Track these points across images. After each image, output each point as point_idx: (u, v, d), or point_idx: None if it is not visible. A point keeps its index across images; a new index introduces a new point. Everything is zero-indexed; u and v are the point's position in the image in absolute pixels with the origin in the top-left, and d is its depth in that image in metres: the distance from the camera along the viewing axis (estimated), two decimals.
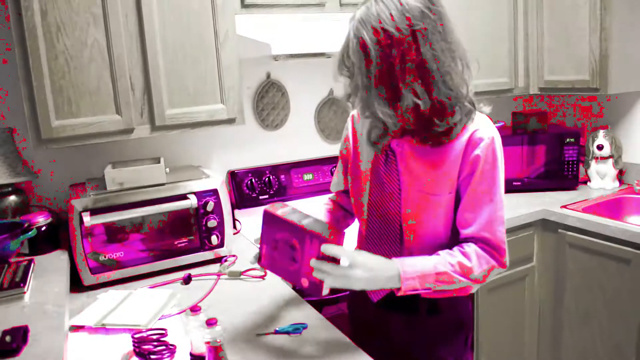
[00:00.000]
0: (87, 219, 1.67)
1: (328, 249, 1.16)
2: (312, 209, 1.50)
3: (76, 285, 1.71)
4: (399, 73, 1.11)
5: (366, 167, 1.39)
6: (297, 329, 1.40)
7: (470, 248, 1.26)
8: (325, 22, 2.14)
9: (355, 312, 1.56)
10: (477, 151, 1.22)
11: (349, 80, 1.25)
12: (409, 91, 1.12)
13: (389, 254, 1.32)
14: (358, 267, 1.17)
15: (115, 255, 1.76)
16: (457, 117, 1.19)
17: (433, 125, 1.18)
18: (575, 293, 2.34)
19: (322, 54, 2.21)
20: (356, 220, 1.51)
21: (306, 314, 1.49)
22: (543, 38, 2.63)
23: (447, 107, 1.17)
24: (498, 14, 2.58)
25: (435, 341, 1.38)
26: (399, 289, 1.21)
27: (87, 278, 1.72)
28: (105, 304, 1.59)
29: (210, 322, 1.14)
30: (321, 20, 2.13)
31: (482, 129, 1.24)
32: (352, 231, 1.52)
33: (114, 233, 1.76)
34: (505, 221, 1.28)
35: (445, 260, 1.23)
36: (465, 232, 1.27)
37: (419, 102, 1.13)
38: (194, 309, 1.23)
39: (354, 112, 1.47)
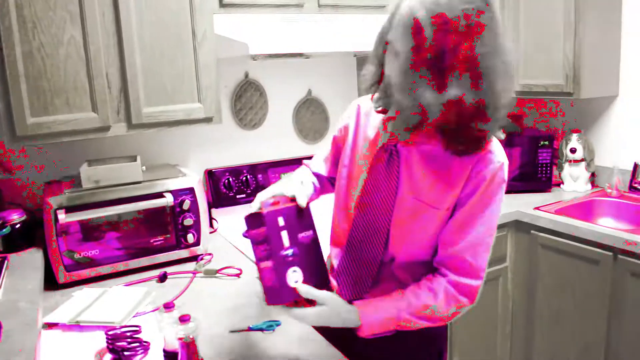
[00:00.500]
0: (62, 217, 1.66)
1: (303, 289, 1.15)
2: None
3: (51, 283, 1.70)
4: (450, 61, 1.02)
5: (364, 162, 1.32)
6: (270, 326, 1.41)
7: (440, 285, 1.21)
8: (303, 23, 2.16)
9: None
10: (484, 172, 1.17)
11: (374, 68, 1.20)
12: (456, 82, 1.02)
13: (370, 256, 1.29)
14: (320, 311, 1.16)
15: (91, 253, 1.76)
16: (491, 125, 1.10)
17: (469, 129, 1.10)
18: (547, 293, 2.39)
19: (300, 55, 2.23)
20: (332, 212, 1.44)
21: (280, 311, 1.50)
22: (519, 43, 2.67)
23: (486, 112, 1.07)
24: None
25: (406, 354, 1.34)
26: (359, 329, 1.20)
27: (62, 276, 1.71)
28: (80, 302, 1.58)
29: (184, 319, 1.15)
30: (300, 21, 2.15)
31: (496, 152, 1.18)
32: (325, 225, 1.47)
33: (90, 231, 1.75)
34: (489, 251, 1.23)
35: (410, 305, 1.20)
36: (447, 250, 1.22)
37: (464, 96, 1.03)
38: (168, 306, 1.23)
39: (360, 102, 1.40)
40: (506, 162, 1.20)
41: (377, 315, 1.20)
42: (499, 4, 2.65)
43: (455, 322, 2.34)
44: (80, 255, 1.74)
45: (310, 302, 1.17)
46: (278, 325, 1.42)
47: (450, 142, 1.14)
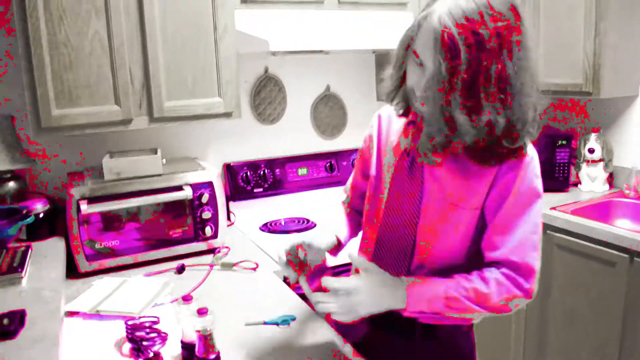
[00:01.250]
0: (85, 207, 1.70)
1: (328, 282, 1.12)
2: (331, 216, 1.50)
3: (72, 271, 1.75)
4: (483, 83, 0.99)
5: (389, 169, 1.30)
6: (285, 320, 1.43)
7: (492, 274, 1.15)
8: (323, 20, 2.16)
9: (343, 327, 1.37)
10: (517, 170, 1.14)
11: (395, 72, 1.18)
12: (490, 105, 1.01)
13: (398, 264, 1.26)
14: (359, 291, 1.11)
15: (111, 243, 1.80)
16: (521, 140, 1.09)
17: (499, 147, 1.08)
18: (562, 293, 2.38)
19: (319, 51, 2.24)
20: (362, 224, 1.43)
21: (296, 306, 1.53)
22: (538, 42, 2.65)
23: (516, 130, 1.06)
24: None
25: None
26: (404, 310, 1.13)
27: (83, 265, 1.76)
28: (100, 291, 1.62)
29: (202, 311, 1.17)
30: (319, 18, 2.16)
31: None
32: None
33: (110, 221, 1.79)
34: (539, 248, 1.17)
35: (459, 285, 1.14)
36: (492, 255, 1.17)
37: (498, 119, 1.02)
38: (186, 298, 1.26)
39: (381, 112, 1.39)
40: (536, 156, 1.17)
41: (424, 287, 1.14)
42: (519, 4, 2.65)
43: None
44: (101, 245, 1.78)
45: None
46: (293, 319, 1.44)
47: (477, 158, 1.11)
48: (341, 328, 1.39)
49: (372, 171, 1.36)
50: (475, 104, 1.01)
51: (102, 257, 1.79)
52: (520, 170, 1.14)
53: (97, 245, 1.78)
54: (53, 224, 1.88)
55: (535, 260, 1.16)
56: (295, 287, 1.62)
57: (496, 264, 1.16)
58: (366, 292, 1.12)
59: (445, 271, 1.20)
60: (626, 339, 2.13)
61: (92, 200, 1.74)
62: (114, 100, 1.82)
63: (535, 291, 1.16)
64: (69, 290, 1.64)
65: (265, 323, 1.43)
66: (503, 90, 1.01)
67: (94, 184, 1.77)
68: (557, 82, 2.60)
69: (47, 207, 1.86)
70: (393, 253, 1.28)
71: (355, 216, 1.50)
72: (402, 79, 1.17)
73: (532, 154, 1.16)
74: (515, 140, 1.07)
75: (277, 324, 1.42)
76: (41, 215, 1.83)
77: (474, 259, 1.22)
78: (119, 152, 1.97)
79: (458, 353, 1.33)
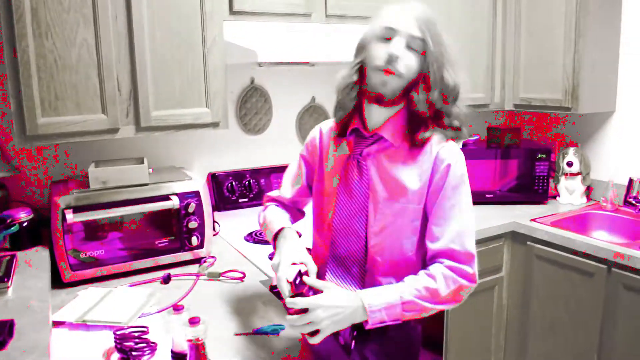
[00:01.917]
0: (70, 217, 1.69)
1: (290, 302, 1.18)
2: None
3: (56, 281, 1.72)
4: (418, 78, 1.29)
5: (335, 175, 1.43)
6: (275, 330, 1.44)
7: (437, 269, 1.26)
8: (310, 32, 2.19)
9: None
10: (446, 162, 1.29)
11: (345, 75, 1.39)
12: (422, 93, 1.28)
13: (353, 265, 1.36)
14: (318, 308, 1.17)
15: (96, 252, 1.78)
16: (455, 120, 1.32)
17: (442, 118, 1.31)
18: (541, 304, 2.43)
19: (305, 63, 2.26)
20: (312, 233, 1.53)
21: (284, 315, 1.53)
22: (519, 57, 2.73)
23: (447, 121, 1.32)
24: (477, 32, 2.68)
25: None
26: (366, 322, 1.21)
27: (67, 275, 1.73)
28: (85, 301, 1.61)
29: (194, 321, 1.17)
30: (307, 30, 2.19)
31: (450, 145, 1.32)
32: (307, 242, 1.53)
33: (96, 231, 1.78)
34: (474, 234, 1.31)
35: (410, 287, 1.24)
36: (434, 246, 1.29)
37: (432, 101, 1.29)
38: (177, 308, 1.26)
39: (322, 126, 1.54)
40: (462, 154, 1.33)
41: (380, 299, 1.22)
42: (500, 20, 2.73)
43: (451, 330, 2.38)
44: (85, 254, 1.76)
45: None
46: (283, 329, 1.44)
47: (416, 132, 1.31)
48: None
49: (317, 180, 1.49)
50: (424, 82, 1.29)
51: (87, 267, 1.77)
52: (451, 165, 1.29)
53: (82, 255, 1.76)
54: (37, 233, 1.86)
55: (473, 247, 1.29)
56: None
57: (439, 254, 1.29)
58: (324, 310, 1.17)
59: (400, 267, 1.34)
60: (604, 348, 2.18)
61: (77, 209, 1.72)
62: (101, 109, 1.81)
63: (477, 276, 1.29)
64: (54, 301, 1.61)
65: (254, 332, 1.43)
66: (438, 84, 1.29)
67: (79, 193, 1.75)
68: (537, 97, 2.67)
69: (31, 216, 1.84)
70: (347, 255, 1.39)
71: (290, 209, 1.62)
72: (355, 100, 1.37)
73: (458, 151, 1.33)
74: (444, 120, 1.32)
75: (267, 333, 1.42)
76: (25, 224, 1.81)
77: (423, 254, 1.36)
78: (104, 161, 1.95)
79: (406, 345, 1.43)
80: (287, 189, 1.62)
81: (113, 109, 1.82)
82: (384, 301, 1.21)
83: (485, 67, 2.73)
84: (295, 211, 1.64)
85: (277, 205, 1.62)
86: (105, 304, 1.58)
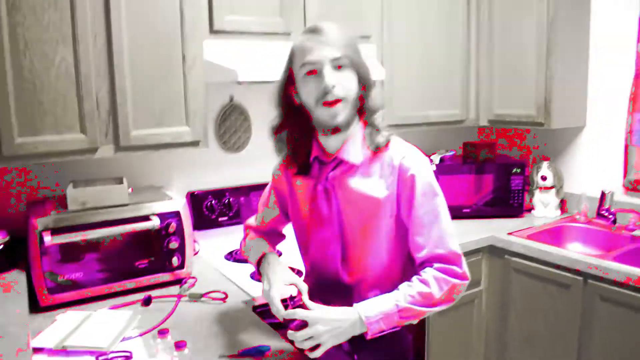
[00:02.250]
0: (49, 239, 1.65)
1: (291, 313, 1.23)
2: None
3: (33, 305, 1.68)
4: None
5: (305, 205, 1.44)
6: (260, 351, 1.42)
7: (428, 274, 1.29)
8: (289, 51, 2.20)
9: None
10: (411, 171, 1.30)
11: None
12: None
13: (337, 289, 1.39)
14: (317, 323, 1.21)
15: (74, 275, 1.74)
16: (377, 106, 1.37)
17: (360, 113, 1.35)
18: (520, 316, 2.46)
19: None
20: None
21: (268, 336, 1.53)
22: (493, 74, 2.79)
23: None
24: (452, 50, 2.73)
25: None
26: (366, 333, 1.24)
27: (45, 299, 1.69)
28: (64, 326, 1.57)
29: (180, 345, 1.16)
30: (286, 49, 2.19)
31: (411, 153, 1.35)
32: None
33: (74, 253, 1.74)
34: (455, 233, 1.34)
35: (405, 294, 1.27)
36: (420, 255, 1.32)
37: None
38: (162, 332, 1.24)
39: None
40: (424, 158, 1.36)
41: (376, 309, 1.24)
42: (474, 38, 2.79)
43: (431, 344, 2.39)
44: (63, 277, 1.73)
45: None
46: (268, 350, 1.43)
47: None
48: None
49: (289, 203, 1.51)
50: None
51: (65, 290, 1.73)
52: (416, 174, 1.31)
53: (60, 278, 1.72)
54: (13, 256, 1.81)
55: (456, 246, 1.32)
56: (267, 317, 1.61)
57: (427, 261, 1.31)
58: (323, 324, 1.21)
59: (383, 280, 1.36)
60: (582, 359, 2.22)
61: (56, 231, 1.69)
62: (80, 128, 1.78)
63: (469, 273, 1.32)
64: (31, 325, 1.57)
65: (240, 354, 1.42)
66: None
67: (57, 215, 1.72)
68: (511, 113, 2.73)
69: (7, 238, 1.79)
70: (329, 279, 1.41)
71: (269, 234, 1.64)
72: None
73: (420, 156, 1.35)
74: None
75: (252, 354, 1.41)
76: (1, 247, 1.76)
77: (409, 265, 1.38)
78: (82, 181, 1.92)
79: (398, 349, 1.44)
80: (263, 217, 1.65)
81: (92, 128, 1.80)
82: (379, 311, 1.24)
83: (460, 85, 2.78)
84: (274, 236, 1.66)
85: (255, 233, 1.64)
86: (85, 328, 1.55)
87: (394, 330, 1.26)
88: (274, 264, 1.44)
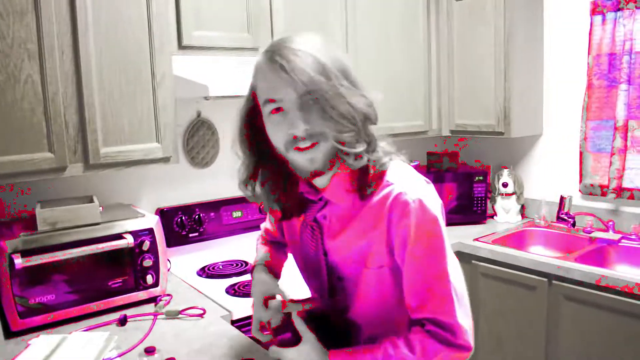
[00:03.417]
0: (19, 261, 1.60)
1: (271, 351, 1.20)
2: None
3: (4, 331, 1.62)
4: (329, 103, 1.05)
5: (296, 237, 1.31)
6: None
7: (416, 335, 1.11)
8: None
9: None
10: (406, 220, 1.08)
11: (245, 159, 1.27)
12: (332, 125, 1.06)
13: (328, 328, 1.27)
14: None
15: (46, 297, 1.69)
16: (359, 147, 1.07)
17: (340, 157, 1.09)
18: (488, 319, 2.53)
19: None
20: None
21: (251, 350, 1.52)
22: (454, 86, 2.89)
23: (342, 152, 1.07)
24: (415, 63, 2.81)
25: None
26: None
27: (16, 323, 1.63)
28: (38, 351, 1.51)
29: None
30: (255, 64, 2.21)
31: (407, 190, 1.10)
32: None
33: (44, 275, 1.69)
34: (463, 296, 1.13)
35: (385, 355, 1.10)
36: (414, 315, 1.13)
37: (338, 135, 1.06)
38: (149, 350, 1.22)
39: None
40: (424, 191, 1.12)
41: None
42: (435, 52, 2.88)
43: None
44: (35, 300, 1.67)
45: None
46: None
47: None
48: None
49: (283, 231, 1.40)
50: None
51: (36, 314, 1.68)
52: (410, 219, 1.08)
53: (31, 301, 1.66)
54: None
55: (460, 313, 1.10)
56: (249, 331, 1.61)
57: (424, 320, 1.12)
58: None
59: (380, 329, 1.20)
60: (550, 358, 2.30)
61: (26, 253, 1.63)
62: (48, 147, 1.74)
63: (472, 343, 1.12)
64: (4, 352, 1.52)
65: None
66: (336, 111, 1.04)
67: (27, 236, 1.67)
68: (471, 123, 2.83)
69: None
70: (320, 309, 1.29)
71: (275, 245, 1.54)
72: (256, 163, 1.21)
73: (418, 193, 1.10)
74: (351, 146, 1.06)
75: None
76: None
77: (401, 311, 1.19)
78: (50, 201, 1.87)
79: None
80: (270, 225, 1.57)
81: (60, 146, 1.76)
82: None
83: (423, 97, 2.86)
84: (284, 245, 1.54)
85: (265, 238, 1.59)
86: (62, 352, 1.51)
87: None
88: (256, 278, 1.41)
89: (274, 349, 1.20)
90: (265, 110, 1.09)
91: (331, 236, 1.20)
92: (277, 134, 1.08)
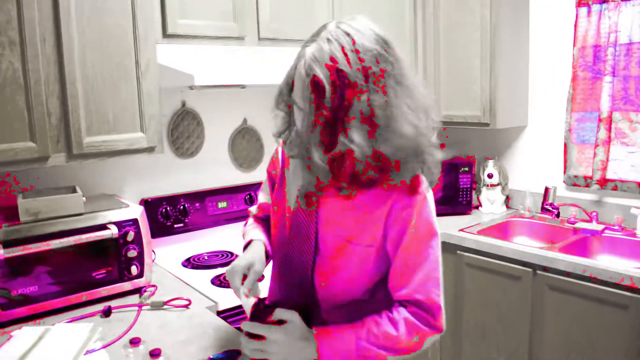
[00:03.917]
0: (0, 252, 1.58)
1: (247, 326, 1.15)
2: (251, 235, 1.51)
3: None
4: (342, 116, 1.04)
5: (288, 210, 1.32)
6: (231, 355, 1.41)
7: (400, 315, 1.17)
8: (244, 55, 2.20)
9: None
10: (410, 209, 1.16)
11: (283, 116, 1.21)
12: (344, 136, 1.05)
13: (300, 299, 1.29)
14: (274, 343, 1.14)
15: (29, 289, 1.67)
16: (403, 173, 1.10)
17: (382, 177, 1.11)
18: (473, 309, 2.55)
19: (237, 85, 2.26)
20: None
21: (237, 340, 1.51)
22: (440, 78, 2.89)
23: (386, 158, 1.07)
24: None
25: None
26: None
27: None
28: (21, 343, 1.50)
29: (154, 353, 1.14)
30: (240, 53, 2.20)
31: (413, 185, 1.16)
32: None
33: (27, 266, 1.67)
34: (441, 282, 1.20)
35: (369, 333, 1.15)
36: (399, 294, 1.19)
37: (354, 147, 1.04)
38: (134, 341, 1.21)
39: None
40: (430, 196, 1.19)
41: (335, 346, 1.14)
42: (421, 42, 2.88)
43: None
44: (17, 292, 1.65)
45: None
46: (239, 354, 1.42)
47: (366, 187, 1.14)
48: None
49: (276, 194, 1.38)
50: (331, 140, 1.05)
51: (18, 305, 1.65)
52: (414, 208, 1.15)
53: (14, 293, 1.64)
54: None
55: (438, 297, 1.19)
56: (235, 322, 1.61)
57: (404, 302, 1.19)
58: (280, 346, 1.14)
59: (350, 307, 1.24)
60: (534, 346, 2.33)
61: (8, 244, 1.61)
62: (30, 136, 1.71)
63: (444, 326, 1.19)
64: None
65: (211, 359, 1.40)
66: (368, 120, 1.03)
67: (9, 227, 1.64)
68: (457, 114, 2.83)
69: None
70: (295, 288, 1.31)
71: (266, 224, 1.53)
72: (290, 121, 1.20)
73: (426, 193, 1.18)
74: (389, 169, 1.08)
75: (223, 358, 1.40)
76: None
77: (378, 295, 1.25)
78: (32, 192, 1.85)
79: None
80: (262, 206, 1.58)
81: (42, 136, 1.73)
82: (339, 349, 1.14)
83: None
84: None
85: (256, 219, 1.58)
86: (45, 344, 1.49)
87: None
88: (252, 248, 1.41)
89: (256, 325, 1.15)
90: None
91: (326, 209, 1.23)
92: (297, 121, 1.14)
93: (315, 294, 1.28)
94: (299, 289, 1.30)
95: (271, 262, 1.45)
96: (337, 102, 1.03)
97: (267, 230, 1.50)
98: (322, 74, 1.03)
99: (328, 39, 1.05)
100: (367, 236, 1.20)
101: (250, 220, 1.59)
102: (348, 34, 1.05)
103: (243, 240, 1.51)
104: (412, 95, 1.08)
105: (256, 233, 1.49)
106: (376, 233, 1.19)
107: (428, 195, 1.19)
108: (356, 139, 1.03)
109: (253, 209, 1.62)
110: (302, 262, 1.27)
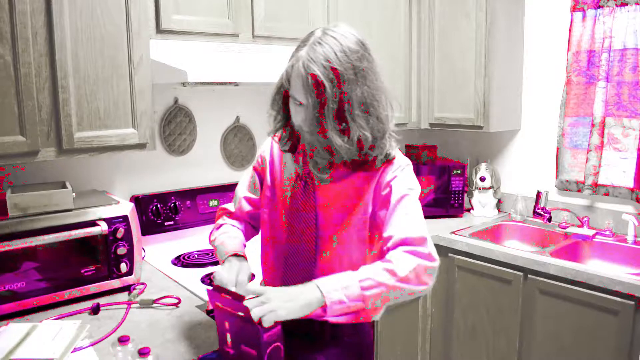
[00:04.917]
0: None
1: (244, 291, 1.25)
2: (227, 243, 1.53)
3: None
4: (347, 108, 1.22)
5: (285, 194, 1.46)
6: (220, 355, 1.40)
7: (392, 254, 1.25)
8: (238, 52, 2.19)
9: None
10: (396, 172, 1.34)
11: (279, 115, 1.37)
12: (355, 125, 1.23)
13: (305, 278, 1.31)
14: (273, 292, 1.17)
15: (17, 285, 1.65)
16: (386, 148, 1.33)
17: (368, 156, 1.31)
18: (464, 311, 2.55)
19: (230, 83, 2.25)
20: (260, 245, 1.57)
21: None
22: (434, 79, 2.89)
23: (379, 140, 1.30)
24: (395, 56, 2.81)
25: None
26: (325, 310, 1.15)
27: None
28: (7, 339, 1.47)
29: (143, 352, 1.12)
30: (234, 50, 2.18)
31: (399, 157, 1.38)
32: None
33: (14, 261, 1.64)
34: (425, 224, 1.31)
35: (365, 269, 1.22)
36: (388, 245, 1.28)
37: (366, 134, 1.24)
38: (123, 339, 1.20)
39: (274, 140, 1.53)
40: (410, 163, 1.40)
41: (333, 278, 1.19)
42: (416, 44, 2.88)
43: (380, 341, 2.43)
44: (4, 288, 1.62)
45: None
46: None
47: (359, 168, 1.35)
48: None
49: (267, 192, 1.51)
50: (346, 126, 1.24)
51: (5, 302, 1.63)
52: (398, 173, 1.34)
53: (0, 288, 1.62)
54: None
55: (424, 231, 1.29)
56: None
57: (394, 248, 1.28)
58: (280, 292, 1.17)
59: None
60: (524, 350, 2.33)
61: None
62: (19, 130, 1.69)
63: (435, 255, 1.28)
64: None
65: (200, 359, 1.39)
66: (364, 110, 1.25)
67: None
68: (451, 116, 2.83)
69: None
70: (299, 269, 1.42)
71: (245, 223, 1.63)
72: (285, 120, 1.38)
73: (405, 164, 1.38)
74: (382, 149, 1.31)
75: (213, 358, 1.39)
76: None
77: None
78: (21, 187, 1.82)
79: (359, 350, 1.48)
80: (242, 201, 1.61)
81: (33, 130, 1.70)
82: (337, 279, 1.19)
83: (404, 89, 2.86)
84: (249, 227, 1.64)
85: (232, 221, 1.61)
86: (32, 341, 1.47)
87: (356, 303, 1.17)
88: (238, 264, 1.41)
89: (251, 285, 1.24)
90: (291, 98, 1.29)
91: (323, 189, 1.39)
92: (296, 117, 1.30)
93: (316, 273, 1.38)
94: (302, 273, 1.41)
95: (259, 260, 1.55)
96: (338, 96, 1.20)
97: (245, 231, 1.61)
98: (320, 72, 1.19)
99: (319, 43, 1.22)
100: (363, 206, 1.36)
101: (227, 226, 1.60)
102: (335, 38, 1.23)
103: (216, 246, 1.55)
104: (383, 88, 1.29)
105: (235, 244, 1.51)
106: (368, 202, 1.36)
107: (407, 166, 1.38)
108: (364, 125, 1.24)
109: (230, 207, 1.65)
110: (306, 247, 1.41)
